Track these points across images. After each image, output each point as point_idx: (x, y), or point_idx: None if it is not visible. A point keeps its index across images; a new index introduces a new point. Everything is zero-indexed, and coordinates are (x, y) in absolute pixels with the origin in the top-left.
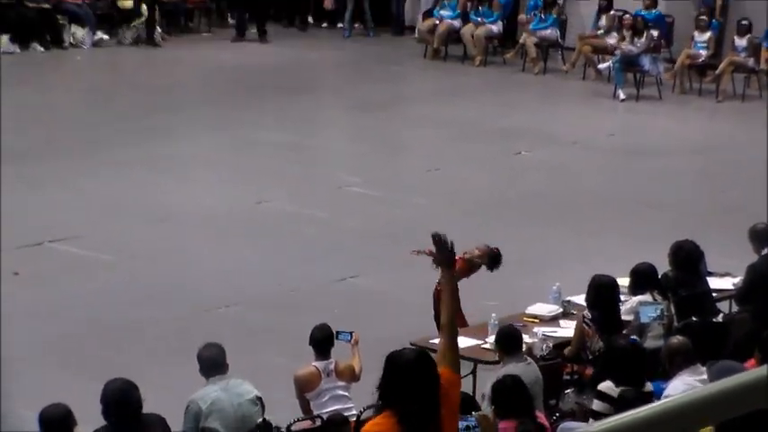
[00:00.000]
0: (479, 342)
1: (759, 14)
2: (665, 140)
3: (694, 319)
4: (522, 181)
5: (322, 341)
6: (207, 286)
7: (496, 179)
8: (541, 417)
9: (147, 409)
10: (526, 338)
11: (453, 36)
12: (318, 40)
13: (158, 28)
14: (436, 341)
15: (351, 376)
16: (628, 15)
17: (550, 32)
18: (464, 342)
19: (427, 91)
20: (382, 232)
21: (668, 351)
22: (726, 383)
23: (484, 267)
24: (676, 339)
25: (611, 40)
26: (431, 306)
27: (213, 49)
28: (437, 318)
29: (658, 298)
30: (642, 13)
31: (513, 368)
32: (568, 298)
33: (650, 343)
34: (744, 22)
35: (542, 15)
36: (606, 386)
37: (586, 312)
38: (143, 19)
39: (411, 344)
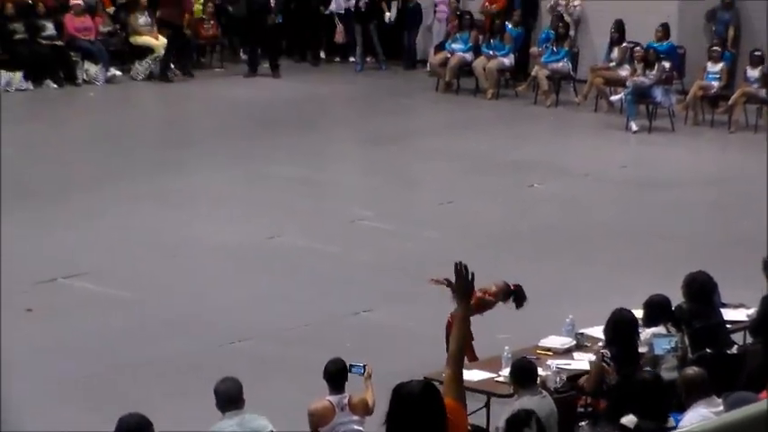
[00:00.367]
0: (493, 375)
1: None
2: (677, 172)
3: (708, 350)
4: (534, 213)
5: (336, 375)
6: (220, 321)
7: (509, 212)
8: None
9: None
10: (540, 371)
11: (465, 69)
12: (330, 74)
13: (171, 64)
14: None
15: (364, 410)
16: (639, 47)
17: (562, 65)
18: (477, 375)
19: (439, 124)
20: (395, 266)
21: (684, 382)
22: (738, 414)
23: (500, 304)
24: (692, 370)
25: (624, 72)
26: (443, 339)
27: (226, 84)
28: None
29: (672, 330)
30: (654, 44)
31: (527, 401)
32: (582, 330)
33: (664, 375)
34: (756, 53)
35: (554, 48)
36: (628, 420)
37: (605, 351)
38: (156, 55)
39: (424, 377)
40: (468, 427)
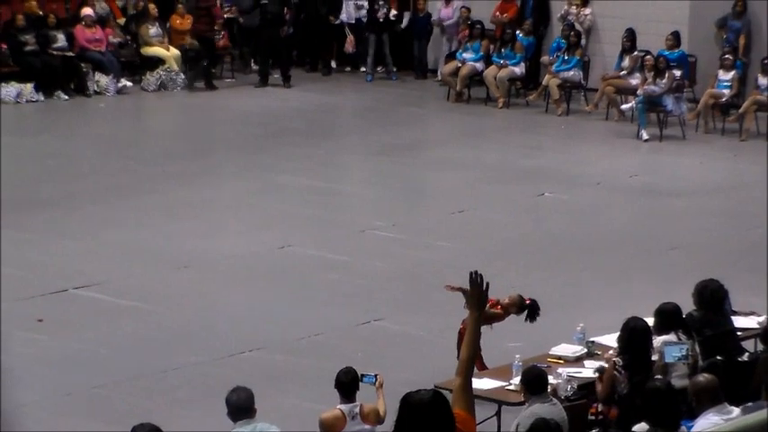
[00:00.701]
0: (504, 383)
1: None
2: (688, 180)
3: (719, 358)
4: (545, 222)
5: (347, 384)
6: (231, 331)
7: (520, 220)
8: None
9: None
10: (551, 379)
11: (476, 78)
12: (341, 84)
13: (182, 74)
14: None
15: (376, 419)
16: (650, 56)
17: (573, 74)
18: (488, 384)
19: (450, 133)
20: (406, 275)
21: (695, 389)
22: (747, 420)
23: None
24: (703, 377)
25: (634, 80)
26: (454, 348)
27: (237, 94)
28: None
29: (683, 338)
30: (665, 53)
31: (538, 408)
32: (593, 338)
33: (675, 382)
34: (767, 62)
35: (565, 57)
36: (640, 428)
37: (618, 359)
38: (167, 66)
39: (435, 386)
40: None
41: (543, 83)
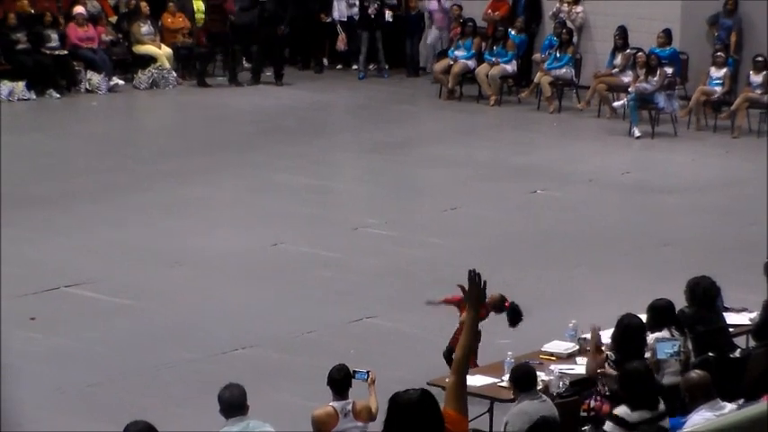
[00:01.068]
0: (495, 380)
1: None
2: (680, 177)
3: (711, 354)
4: (538, 219)
5: (340, 381)
6: (224, 328)
7: (512, 218)
8: None
9: None
10: (543, 376)
11: (468, 76)
12: (334, 81)
13: (173, 72)
14: None
15: (368, 416)
16: (642, 53)
17: (565, 71)
18: (480, 380)
19: (442, 131)
20: (399, 272)
21: (688, 385)
22: (739, 415)
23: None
24: (695, 373)
25: (626, 77)
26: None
27: (229, 92)
28: (447, 356)
29: (675, 334)
30: (656, 50)
31: (527, 405)
32: (585, 335)
33: (668, 379)
34: (759, 59)
35: (557, 54)
36: (622, 411)
37: (611, 354)
38: (159, 64)
39: (428, 383)
40: None
41: (535, 80)
